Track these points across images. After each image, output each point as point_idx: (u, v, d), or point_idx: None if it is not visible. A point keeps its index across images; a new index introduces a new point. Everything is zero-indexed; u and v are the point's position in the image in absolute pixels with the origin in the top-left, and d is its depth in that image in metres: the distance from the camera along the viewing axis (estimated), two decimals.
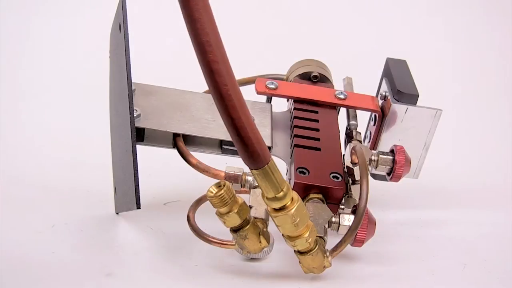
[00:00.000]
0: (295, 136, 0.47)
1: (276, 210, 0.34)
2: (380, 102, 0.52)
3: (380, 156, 0.45)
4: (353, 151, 0.44)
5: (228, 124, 0.29)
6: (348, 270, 0.45)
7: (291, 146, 0.48)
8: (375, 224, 0.43)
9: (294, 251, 0.39)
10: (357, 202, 0.42)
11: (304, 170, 0.43)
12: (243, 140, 0.28)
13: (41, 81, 0.74)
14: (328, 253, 0.40)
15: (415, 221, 0.54)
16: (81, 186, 0.55)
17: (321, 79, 0.55)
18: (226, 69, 0.27)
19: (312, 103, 0.51)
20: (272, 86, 0.51)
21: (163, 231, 0.48)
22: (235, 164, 0.45)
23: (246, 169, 0.40)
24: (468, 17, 0.89)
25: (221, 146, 0.48)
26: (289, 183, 0.44)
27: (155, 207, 0.53)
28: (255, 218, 0.40)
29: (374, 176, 0.53)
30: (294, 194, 0.34)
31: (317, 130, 0.48)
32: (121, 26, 0.42)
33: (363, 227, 0.41)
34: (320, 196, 0.42)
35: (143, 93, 0.49)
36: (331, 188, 0.42)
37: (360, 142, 0.50)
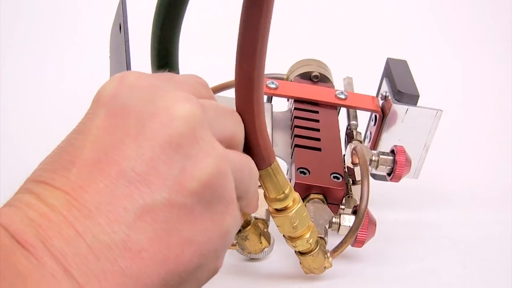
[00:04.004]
0: (296, 136, 0.47)
1: (277, 210, 0.34)
2: (381, 102, 0.52)
3: (381, 156, 0.45)
4: (354, 151, 0.44)
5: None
6: (349, 271, 0.45)
7: (291, 146, 0.47)
8: (376, 225, 0.43)
9: (295, 251, 0.39)
10: (358, 203, 0.41)
11: (305, 170, 0.43)
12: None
13: (41, 81, 0.74)
14: (328, 254, 0.40)
15: (415, 221, 0.54)
16: None
17: (322, 79, 0.55)
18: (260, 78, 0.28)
19: (313, 103, 0.51)
20: (273, 86, 0.51)
21: None
22: None
23: None
24: (468, 17, 0.89)
25: None
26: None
27: None
28: (256, 218, 0.40)
29: (374, 176, 0.53)
30: (296, 196, 0.33)
31: (318, 130, 0.48)
32: (121, 26, 0.42)
33: (363, 228, 0.41)
34: (320, 196, 0.42)
35: None
36: (332, 188, 0.42)
37: (361, 142, 0.50)
